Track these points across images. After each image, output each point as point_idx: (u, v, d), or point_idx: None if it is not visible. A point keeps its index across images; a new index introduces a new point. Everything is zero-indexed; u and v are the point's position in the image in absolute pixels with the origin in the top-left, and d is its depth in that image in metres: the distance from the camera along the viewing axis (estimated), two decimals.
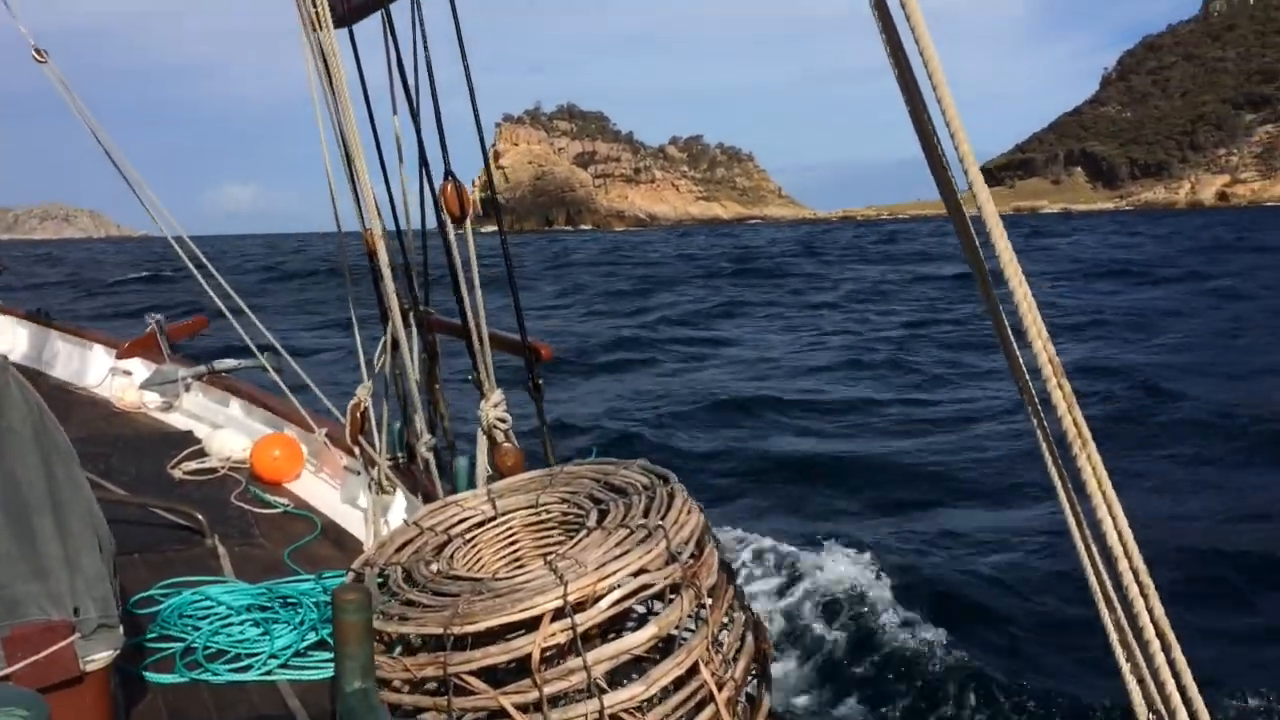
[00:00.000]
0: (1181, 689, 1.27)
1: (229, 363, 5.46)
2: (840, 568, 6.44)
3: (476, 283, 2.75)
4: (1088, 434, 1.28)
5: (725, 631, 1.59)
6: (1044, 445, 1.34)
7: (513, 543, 1.93)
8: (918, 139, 1.32)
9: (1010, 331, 1.29)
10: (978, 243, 1.28)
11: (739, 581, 1.73)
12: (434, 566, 1.68)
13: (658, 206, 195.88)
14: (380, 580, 1.68)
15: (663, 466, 1.84)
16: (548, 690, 1.41)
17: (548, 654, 1.43)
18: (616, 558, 1.48)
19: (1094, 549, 1.33)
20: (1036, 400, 1.32)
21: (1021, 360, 1.32)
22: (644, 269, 42.96)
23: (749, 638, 1.64)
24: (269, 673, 2.66)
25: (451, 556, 1.78)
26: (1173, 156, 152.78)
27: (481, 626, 1.43)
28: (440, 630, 1.45)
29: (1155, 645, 1.28)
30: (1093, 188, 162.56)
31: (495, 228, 3.15)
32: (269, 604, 2.98)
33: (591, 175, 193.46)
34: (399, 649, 1.52)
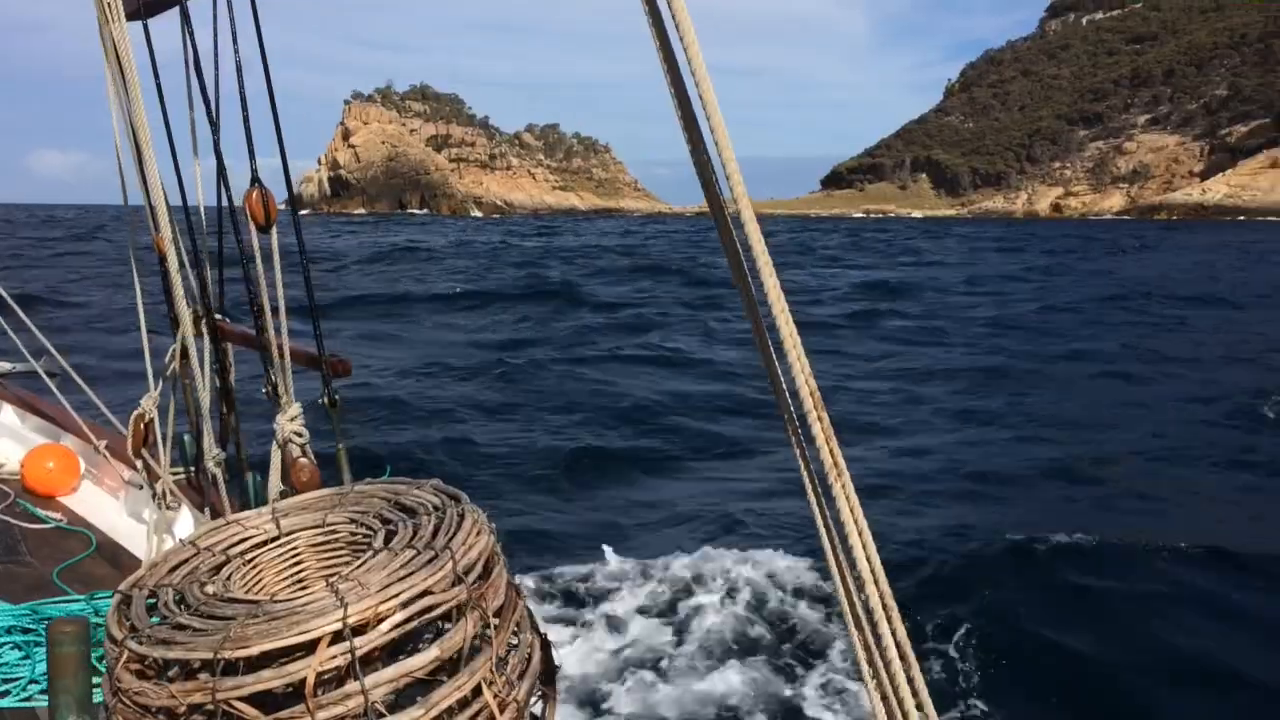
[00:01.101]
0: (919, 705, 1.36)
1: (1, 366, 5.14)
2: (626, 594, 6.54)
3: (280, 293, 2.69)
4: (843, 464, 1.36)
5: (512, 653, 1.60)
6: (805, 474, 1.43)
7: (296, 564, 1.87)
8: (688, 149, 1.36)
9: (780, 373, 1.37)
10: (745, 266, 1.34)
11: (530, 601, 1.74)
12: (209, 588, 1.63)
13: (514, 194, 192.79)
14: (150, 603, 1.62)
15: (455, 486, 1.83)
16: (322, 715, 1.39)
17: (326, 678, 1.41)
18: (401, 579, 1.47)
19: (847, 573, 1.42)
20: (799, 433, 1.40)
21: (785, 386, 1.39)
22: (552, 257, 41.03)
23: (535, 658, 1.66)
24: (29, 699, 2.59)
25: (229, 578, 1.73)
26: (1011, 168, 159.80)
27: (255, 651, 1.40)
28: (210, 655, 1.41)
29: (898, 666, 1.37)
30: (937, 194, 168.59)
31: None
32: (33, 626, 2.90)
33: (446, 159, 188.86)
34: (169, 676, 1.47)
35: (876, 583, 1.39)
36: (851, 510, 1.37)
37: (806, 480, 1.42)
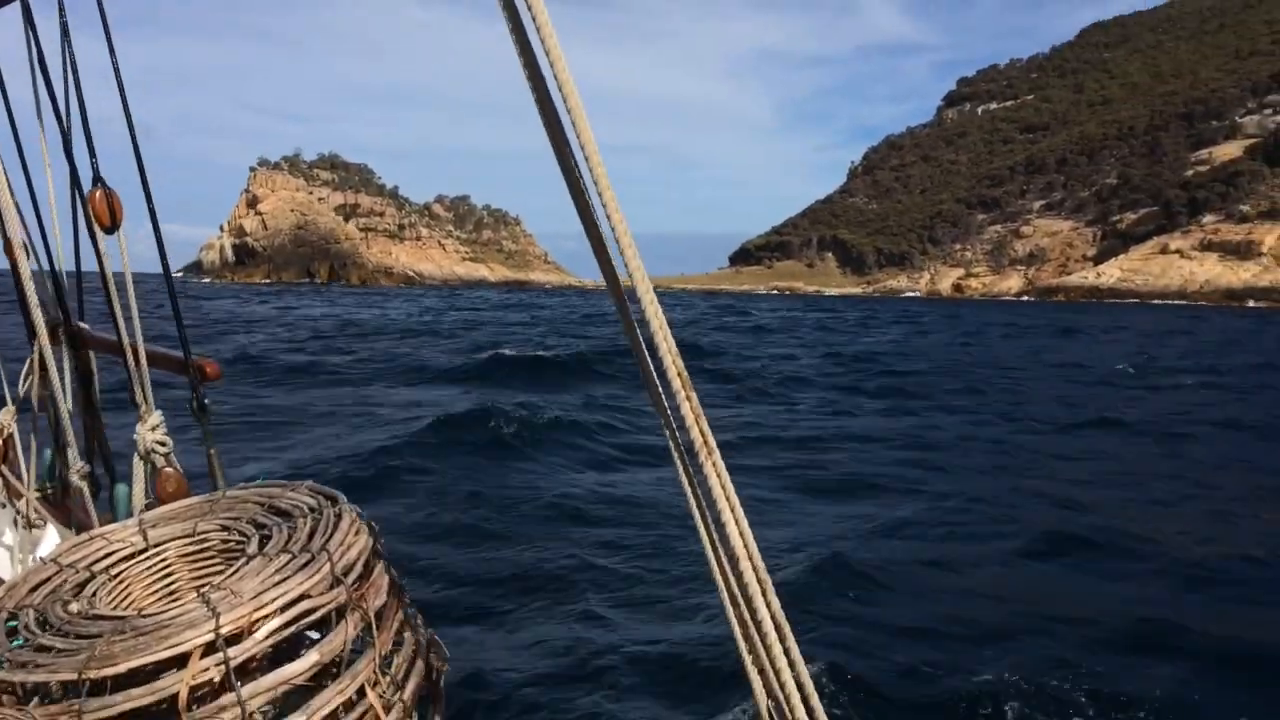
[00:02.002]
0: (797, 678, 1.40)
1: None
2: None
3: (132, 297, 2.67)
4: (713, 442, 1.40)
5: (397, 652, 1.57)
6: (675, 453, 1.46)
7: (167, 576, 1.82)
8: (580, 220, 1.41)
9: (648, 355, 1.40)
10: (637, 329, 1.39)
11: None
12: (73, 607, 1.57)
13: (423, 265, 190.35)
14: (11, 625, 1.56)
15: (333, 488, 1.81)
16: None
17: (203, 692, 1.36)
18: (276, 585, 1.44)
19: (720, 549, 1.45)
20: (668, 411, 1.43)
21: (655, 375, 1.43)
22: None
23: (419, 659, 1.63)
24: None
25: (95, 595, 1.66)
26: (914, 249, 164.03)
27: (123, 668, 1.35)
28: (74, 675, 1.35)
29: (774, 638, 1.40)
30: (843, 273, 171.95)
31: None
32: None
33: (355, 229, 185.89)
34: (35, 701, 1.40)
35: (751, 559, 1.41)
36: (723, 486, 1.40)
37: (676, 458, 1.44)
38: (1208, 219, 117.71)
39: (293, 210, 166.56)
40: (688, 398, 1.39)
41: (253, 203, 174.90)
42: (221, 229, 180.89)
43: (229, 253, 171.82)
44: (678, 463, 1.45)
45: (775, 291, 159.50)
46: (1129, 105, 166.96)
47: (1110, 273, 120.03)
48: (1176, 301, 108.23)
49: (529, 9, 1.28)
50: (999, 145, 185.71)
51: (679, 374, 1.38)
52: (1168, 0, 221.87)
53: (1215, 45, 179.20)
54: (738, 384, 22.10)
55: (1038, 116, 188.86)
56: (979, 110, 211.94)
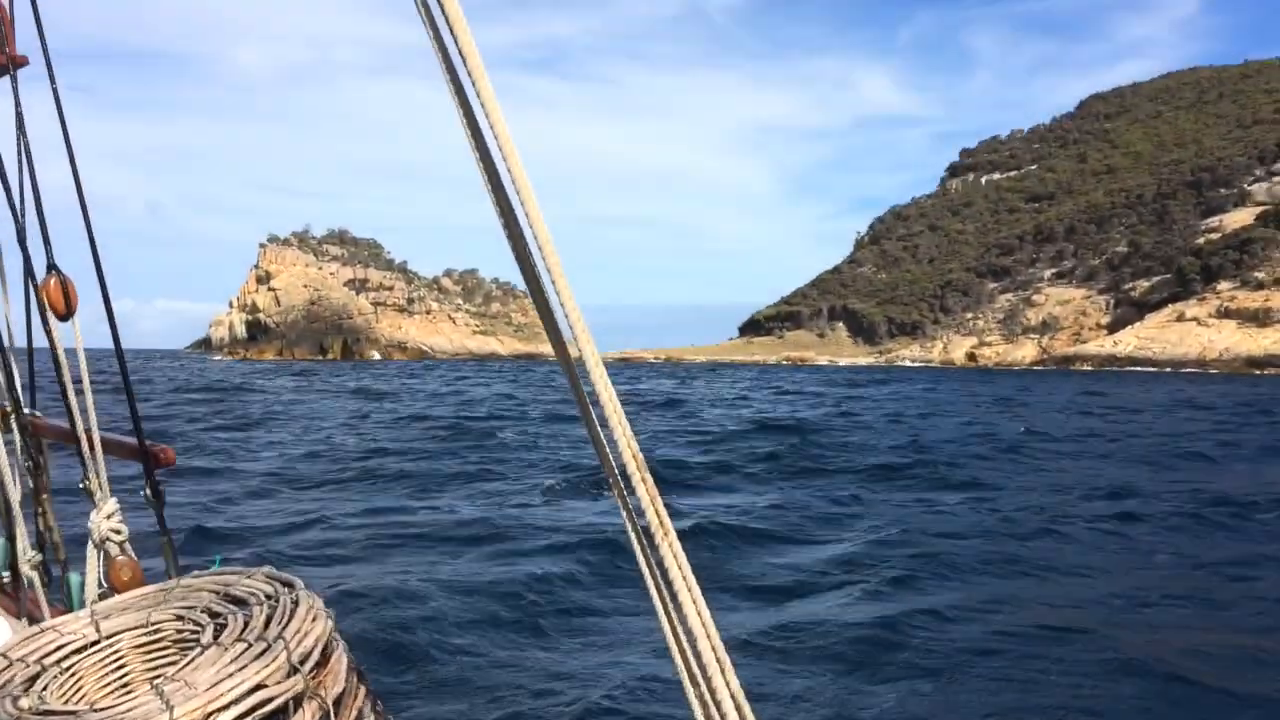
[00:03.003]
0: None
1: None
2: None
3: (86, 384, 2.69)
4: (669, 523, 1.43)
5: None
6: (632, 536, 1.48)
7: (120, 668, 1.79)
8: (529, 293, 1.44)
9: (596, 421, 1.41)
10: (583, 388, 1.41)
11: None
12: (24, 703, 1.53)
13: (434, 339, 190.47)
14: None
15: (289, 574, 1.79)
16: None
17: None
18: (231, 675, 1.41)
19: (679, 630, 1.46)
20: (624, 493, 1.44)
21: (606, 444, 1.44)
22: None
23: None
24: None
25: (46, 689, 1.63)
26: (926, 318, 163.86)
27: None
28: None
29: (734, 718, 1.41)
30: (854, 342, 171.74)
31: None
32: None
33: (367, 303, 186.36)
34: None
35: (710, 638, 1.42)
36: (680, 568, 1.41)
37: (634, 540, 1.46)
38: (1223, 286, 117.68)
39: (305, 285, 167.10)
40: (643, 479, 1.39)
41: (264, 279, 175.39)
42: (231, 305, 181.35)
43: (240, 329, 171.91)
44: (635, 546, 1.46)
45: (788, 362, 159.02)
46: (1134, 174, 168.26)
47: (1127, 340, 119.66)
48: (1193, 370, 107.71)
49: (473, 83, 1.29)
50: (1005, 214, 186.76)
51: (634, 456, 1.39)
52: (1164, 73, 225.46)
53: (1216, 114, 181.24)
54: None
55: (1042, 186, 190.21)
56: (983, 180, 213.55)
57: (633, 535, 1.48)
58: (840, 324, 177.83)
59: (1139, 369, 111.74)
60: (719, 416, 36.31)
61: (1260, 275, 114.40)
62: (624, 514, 1.47)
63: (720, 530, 12.93)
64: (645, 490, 1.40)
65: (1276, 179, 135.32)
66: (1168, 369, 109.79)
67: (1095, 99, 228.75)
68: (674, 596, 1.43)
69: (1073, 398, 53.69)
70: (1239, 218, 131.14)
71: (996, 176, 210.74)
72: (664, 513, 1.42)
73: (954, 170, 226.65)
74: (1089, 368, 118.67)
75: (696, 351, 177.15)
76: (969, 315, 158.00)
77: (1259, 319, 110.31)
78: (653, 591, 1.47)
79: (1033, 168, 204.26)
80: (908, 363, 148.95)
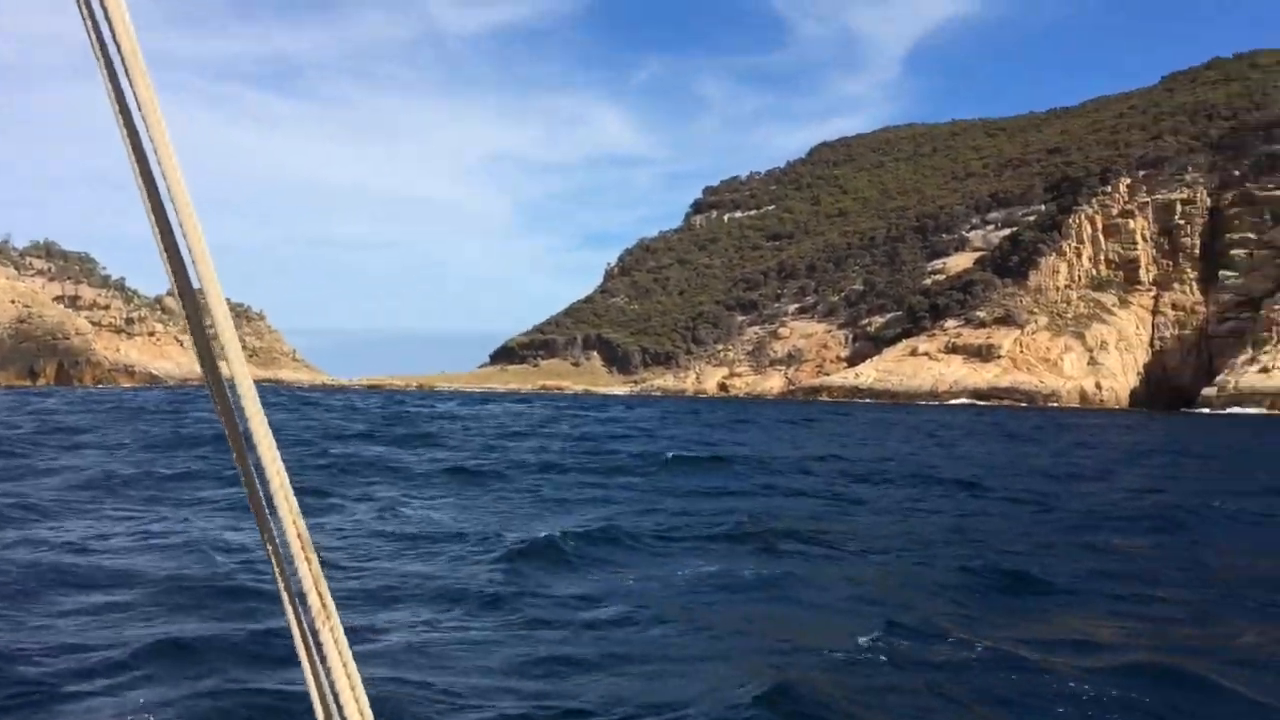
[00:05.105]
0: None
1: None
2: None
3: None
4: (332, 606, 1.37)
5: None
6: (290, 612, 1.42)
7: None
8: (185, 312, 1.38)
9: (264, 504, 1.36)
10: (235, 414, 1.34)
11: None
12: None
13: (159, 363, 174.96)
14: None
15: None
16: None
17: None
18: None
19: (312, 648, 1.41)
20: (286, 574, 1.39)
21: (274, 532, 1.38)
22: None
23: None
24: None
25: None
26: (679, 349, 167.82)
27: None
28: None
29: None
30: (610, 372, 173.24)
31: None
32: None
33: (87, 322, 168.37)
34: None
35: (340, 655, 1.39)
36: (318, 588, 1.36)
37: (273, 561, 1.39)
38: (950, 323, 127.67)
39: (12, 301, 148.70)
40: (286, 498, 1.35)
41: None
42: None
43: None
44: (295, 633, 1.41)
45: (544, 390, 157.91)
46: (865, 218, 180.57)
47: (868, 373, 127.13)
48: (927, 401, 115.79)
49: (132, 85, 1.22)
50: (749, 251, 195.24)
51: (277, 472, 1.34)
52: (882, 126, 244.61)
53: (932, 167, 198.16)
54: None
55: (782, 226, 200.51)
56: (725, 218, 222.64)
57: (270, 554, 1.40)
58: (595, 353, 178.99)
59: (877, 400, 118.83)
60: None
61: (982, 314, 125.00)
62: (268, 547, 1.39)
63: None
64: (288, 510, 1.34)
65: (990, 227, 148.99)
66: (902, 400, 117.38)
67: (824, 146, 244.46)
68: (310, 617, 1.37)
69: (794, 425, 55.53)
70: (960, 261, 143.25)
71: (739, 215, 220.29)
72: (305, 532, 1.36)
73: (698, 207, 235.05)
74: (828, 398, 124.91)
75: (449, 379, 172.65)
76: (720, 347, 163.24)
77: (982, 354, 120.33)
78: (290, 616, 1.40)
79: (771, 208, 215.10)
80: (658, 393, 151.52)
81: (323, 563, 1.30)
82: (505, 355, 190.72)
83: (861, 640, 9.06)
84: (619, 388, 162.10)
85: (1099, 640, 9.57)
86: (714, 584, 11.51)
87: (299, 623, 1.39)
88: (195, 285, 1.27)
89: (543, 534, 13.75)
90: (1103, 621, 10.40)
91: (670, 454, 27.78)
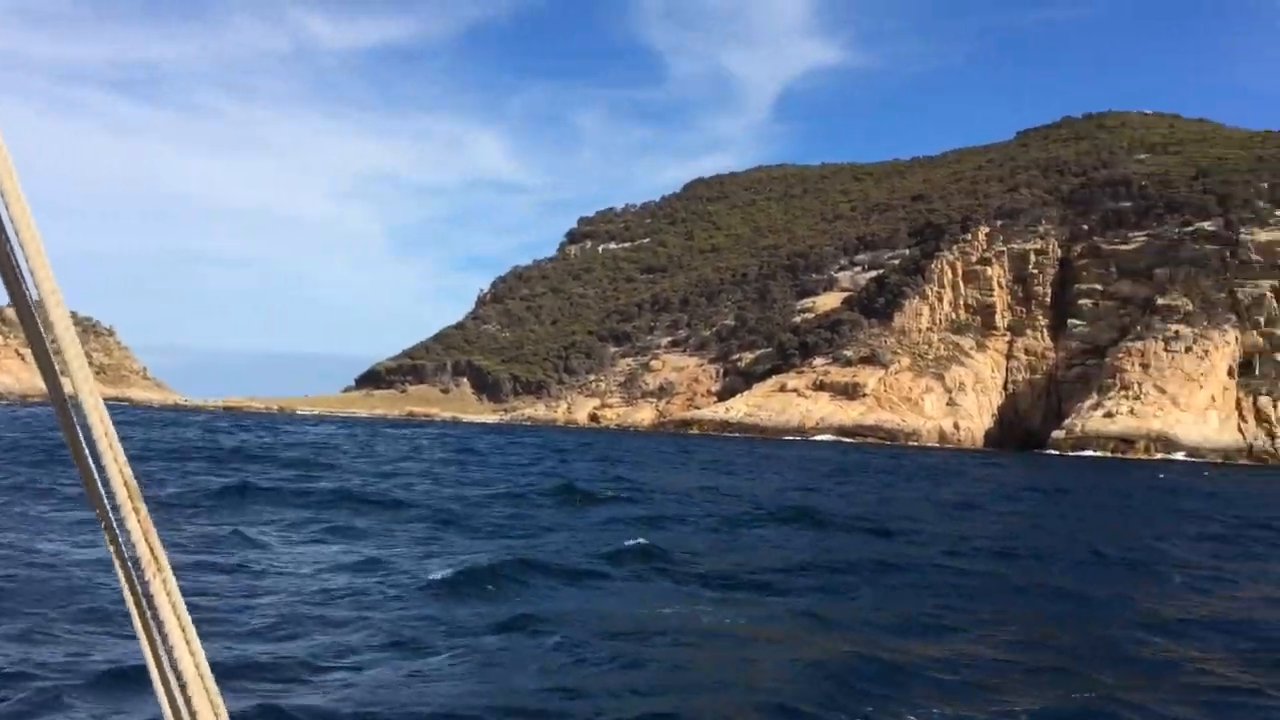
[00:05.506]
0: None
1: None
2: None
3: None
4: (164, 559, 1.35)
5: None
6: (119, 570, 1.39)
7: None
8: (21, 323, 1.37)
9: (90, 461, 1.33)
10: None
11: None
12: None
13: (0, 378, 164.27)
14: None
15: None
16: None
17: None
18: None
19: (169, 673, 1.36)
20: (115, 525, 1.37)
21: (100, 488, 1.36)
22: None
23: None
24: None
25: None
26: (550, 378, 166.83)
27: None
28: None
29: None
30: (479, 399, 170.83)
31: None
32: None
33: None
34: None
35: (202, 679, 1.35)
36: (174, 606, 1.33)
37: (123, 577, 1.37)
38: (818, 361, 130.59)
39: None
40: (135, 509, 1.33)
41: None
42: None
43: None
44: (122, 580, 1.38)
45: (411, 416, 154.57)
46: (737, 254, 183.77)
47: (738, 408, 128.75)
48: (794, 436, 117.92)
49: None
50: (623, 283, 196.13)
51: (125, 483, 1.32)
52: (754, 165, 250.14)
53: (802, 208, 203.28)
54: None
55: (656, 259, 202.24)
56: (600, 249, 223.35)
57: (120, 570, 1.38)
58: (465, 380, 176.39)
59: (746, 435, 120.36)
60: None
61: (849, 353, 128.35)
62: (111, 548, 1.37)
63: None
64: (137, 521, 1.32)
65: (857, 269, 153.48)
66: (771, 436, 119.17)
67: (699, 183, 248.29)
68: (165, 635, 1.33)
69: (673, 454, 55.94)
70: (829, 301, 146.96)
71: (613, 246, 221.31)
72: (158, 546, 1.33)
73: (573, 237, 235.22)
74: (698, 432, 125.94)
75: (312, 402, 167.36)
76: (591, 377, 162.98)
77: (848, 392, 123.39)
78: (139, 629, 1.37)
79: (645, 241, 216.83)
80: (528, 423, 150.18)
81: (175, 569, 1.25)
82: (372, 380, 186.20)
83: None
84: (489, 416, 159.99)
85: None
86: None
87: (129, 579, 1.35)
88: (34, 297, 1.24)
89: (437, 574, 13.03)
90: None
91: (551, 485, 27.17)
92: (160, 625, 1.32)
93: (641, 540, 16.21)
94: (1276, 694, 9.66)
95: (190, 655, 1.32)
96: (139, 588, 1.33)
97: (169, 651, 1.33)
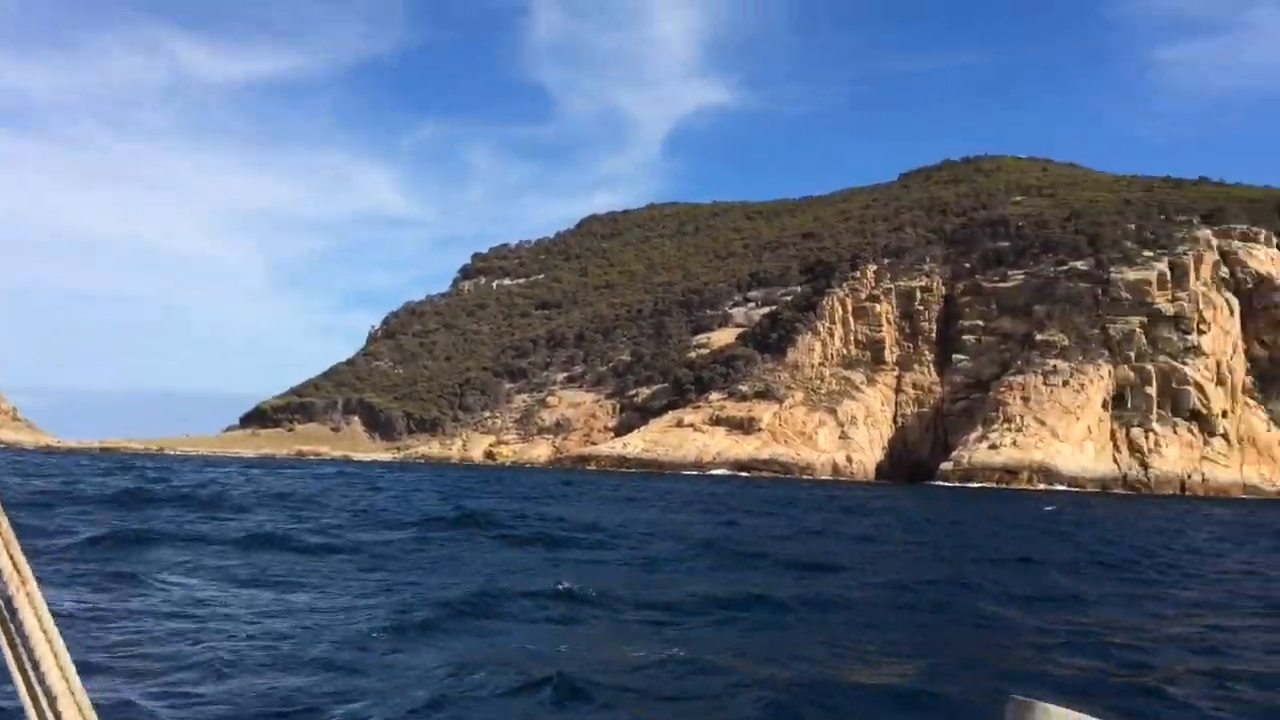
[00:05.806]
0: None
1: None
2: None
3: None
4: (28, 570, 1.28)
5: None
6: None
7: None
8: None
9: None
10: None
11: None
12: None
13: None
14: None
15: None
16: None
17: None
18: None
19: (37, 689, 1.31)
20: None
21: None
22: None
23: None
24: None
25: None
26: (445, 415, 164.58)
27: None
28: None
29: None
30: (371, 438, 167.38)
31: None
32: None
33: None
34: None
35: (73, 694, 1.29)
36: (40, 620, 1.27)
37: None
38: (714, 396, 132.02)
39: None
40: None
41: None
42: None
43: None
44: None
45: (300, 456, 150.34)
46: (632, 290, 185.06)
47: (635, 443, 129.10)
48: (693, 471, 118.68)
49: None
50: (518, 318, 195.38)
51: None
52: (647, 203, 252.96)
53: (695, 245, 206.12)
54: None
55: (551, 294, 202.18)
56: (494, 285, 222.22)
57: None
58: (356, 418, 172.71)
59: (644, 470, 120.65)
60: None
61: (744, 388, 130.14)
62: None
63: None
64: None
65: (751, 304, 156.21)
66: (668, 470, 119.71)
67: (593, 219, 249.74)
68: (31, 651, 1.28)
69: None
70: (723, 336, 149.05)
71: (507, 282, 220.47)
72: (20, 557, 1.27)
73: (466, 273, 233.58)
74: (595, 468, 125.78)
75: (194, 442, 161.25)
76: (487, 414, 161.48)
77: (744, 427, 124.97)
78: (3, 644, 1.30)
79: (540, 277, 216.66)
80: (422, 461, 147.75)
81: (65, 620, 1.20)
82: (257, 418, 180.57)
83: None
84: (382, 454, 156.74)
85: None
86: None
87: None
88: None
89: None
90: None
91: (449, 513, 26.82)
92: (26, 639, 1.27)
93: (566, 584, 16.14)
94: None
95: (59, 669, 1.27)
96: (1, 601, 1.27)
97: (35, 665, 1.27)
